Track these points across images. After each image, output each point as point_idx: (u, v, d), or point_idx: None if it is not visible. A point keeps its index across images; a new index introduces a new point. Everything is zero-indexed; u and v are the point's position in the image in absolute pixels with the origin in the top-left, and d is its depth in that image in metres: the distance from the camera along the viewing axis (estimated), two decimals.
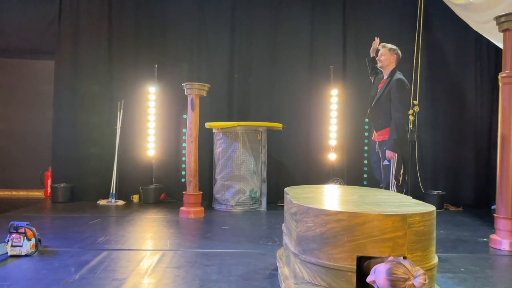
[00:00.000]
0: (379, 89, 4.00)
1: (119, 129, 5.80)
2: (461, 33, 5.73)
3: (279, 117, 5.75)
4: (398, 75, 3.89)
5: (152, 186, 5.74)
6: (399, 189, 3.74)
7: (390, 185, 3.71)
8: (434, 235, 2.08)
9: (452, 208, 5.61)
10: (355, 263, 1.91)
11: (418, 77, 5.74)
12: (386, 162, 3.78)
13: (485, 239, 3.76)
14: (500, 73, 3.56)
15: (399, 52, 4.00)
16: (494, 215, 3.58)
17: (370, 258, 2.02)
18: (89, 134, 5.89)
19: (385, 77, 3.97)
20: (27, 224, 3.04)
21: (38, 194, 6.33)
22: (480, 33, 4.69)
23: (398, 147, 3.76)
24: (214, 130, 5.43)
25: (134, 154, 5.91)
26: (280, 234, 2.98)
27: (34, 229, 3.06)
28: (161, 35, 5.99)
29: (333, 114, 5.77)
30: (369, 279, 1.89)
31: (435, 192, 5.60)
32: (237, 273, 2.68)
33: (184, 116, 4.78)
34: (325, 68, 5.83)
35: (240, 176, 5.23)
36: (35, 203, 5.65)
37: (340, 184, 5.59)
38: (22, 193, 6.34)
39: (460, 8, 4.72)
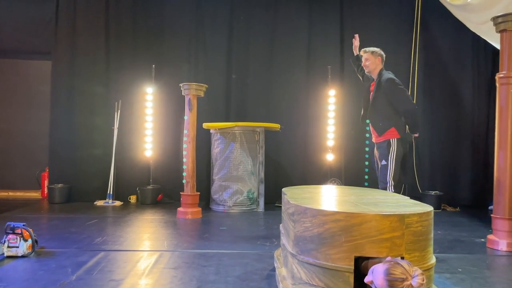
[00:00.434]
0: (371, 91, 3.96)
1: (117, 129, 5.79)
2: (458, 34, 5.74)
3: (276, 117, 5.75)
4: (387, 74, 3.87)
5: (149, 187, 5.73)
6: (396, 190, 3.73)
7: (388, 185, 3.70)
8: (432, 235, 2.08)
9: (449, 208, 5.62)
10: (352, 263, 1.90)
11: (416, 77, 5.75)
12: (383, 162, 3.77)
13: (482, 240, 3.77)
14: (497, 73, 3.56)
15: (382, 52, 3.97)
16: (492, 215, 3.59)
17: (368, 258, 2.01)
18: (86, 135, 5.88)
19: (375, 79, 3.94)
20: (23, 225, 3.02)
21: (35, 195, 6.30)
22: (477, 33, 4.70)
23: (416, 128, 3.86)
24: (211, 131, 5.42)
25: (132, 154, 5.89)
26: (278, 234, 2.98)
27: (30, 230, 3.04)
28: (158, 35, 5.98)
29: (330, 115, 5.77)
30: (367, 280, 1.88)
31: (433, 192, 5.60)
32: (234, 274, 2.67)
33: (185, 117, 4.76)
34: (323, 69, 5.83)
35: (238, 176, 5.23)
36: (32, 204, 5.62)
37: (337, 184, 5.59)
38: (18, 194, 6.31)
39: (457, 9, 4.73)
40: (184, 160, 4.78)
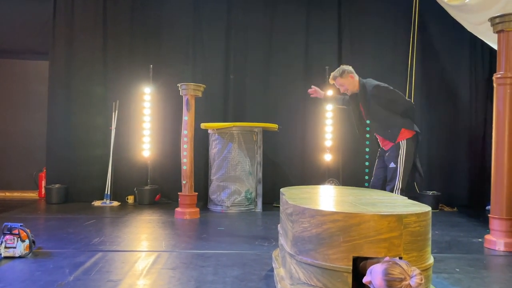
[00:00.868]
0: (361, 109, 3.80)
1: (114, 129, 5.77)
2: (456, 34, 5.75)
3: (274, 117, 5.75)
4: (369, 82, 3.69)
5: (147, 187, 5.72)
6: (403, 195, 3.49)
7: (395, 189, 3.60)
8: (430, 235, 2.08)
9: (447, 208, 5.63)
10: (351, 263, 1.91)
11: (413, 77, 5.76)
12: (392, 165, 3.63)
13: (480, 240, 3.78)
14: (494, 74, 3.58)
15: (346, 67, 3.77)
16: (489, 215, 3.60)
17: (366, 258, 2.02)
18: (84, 135, 5.86)
19: (358, 93, 3.75)
20: (20, 226, 3.01)
21: (32, 195, 6.28)
22: (475, 34, 4.71)
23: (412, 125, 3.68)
24: (209, 131, 5.42)
25: (129, 155, 5.88)
26: (276, 235, 2.98)
27: (28, 230, 3.03)
28: (156, 35, 5.97)
29: (328, 115, 5.77)
30: (365, 280, 1.89)
31: (430, 192, 5.62)
32: (232, 274, 2.67)
33: (185, 118, 4.75)
34: (321, 69, 5.83)
35: (236, 177, 5.23)
36: (29, 204, 5.61)
37: (335, 185, 5.59)
38: (16, 194, 6.29)
39: (455, 10, 4.74)
40: (185, 160, 4.75)
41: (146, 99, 5.84)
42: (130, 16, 5.96)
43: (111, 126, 5.78)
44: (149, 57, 5.88)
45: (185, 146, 4.78)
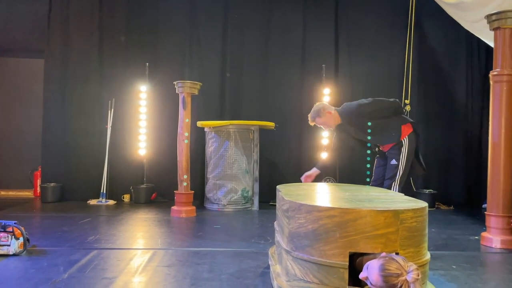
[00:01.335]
0: (353, 132, 3.69)
1: (110, 128, 5.75)
2: (452, 32, 5.76)
3: (271, 116, 5.73)
4: (347, 107, 3.60)
5: (143, 186, 5.70)
6: (400, 191, 3.47)
7: (394, 185, 3.59)
8: (427, 231, 2.07)
9: (443, 207, 5.64)
10: (347, 259, 1.89)
11: (410, 76, 5.76)
12: (394, 162, 3.60)
13: (476, 237, 3.77)
14: (491, 71, 3.57)
15: (321, 104, 3.69)
16: (485, 213, 3.59)
17: (363, 254, 2.00)
18: (79, 133, 5.83)
19: (344, 123, 3.66)
20: (15, 223, 2.99)
21: (27, 194, 6.25)
22: (471, 32, 4.71)
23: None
24: (206, 129, 5.40)
25: (125, 153, 5.85)
26: (273, 232, 2.96)
27: (22, 228, 3.01)
28: (152, 33, 5.94)
29: None
30: (362, 276, 1.87)
31: (427, 191, 5.61)
32: (228, 271, 2.65)
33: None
34: (317, 67, 5.83)
35: (232, 175, 5.21)
36: (24, 203, 5.57)
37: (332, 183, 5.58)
38: (11, 193, 6.26)
39: (451, 7, 4.74)
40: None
41: (142, 98, 5.82)
42: (126, 14, 5.94)
43: (107, 125, 5.76)
44: (145, 55, 5.86)
45: (186, 141, 4.73)
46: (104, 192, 5.64)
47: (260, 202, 5.37)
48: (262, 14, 5.98)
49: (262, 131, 5.54)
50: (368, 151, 3.82)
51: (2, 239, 2.90)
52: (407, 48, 5.76)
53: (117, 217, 4.58)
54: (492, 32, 3.61)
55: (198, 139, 5.63)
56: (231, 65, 5.97)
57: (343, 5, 5.99)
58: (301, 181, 3.91)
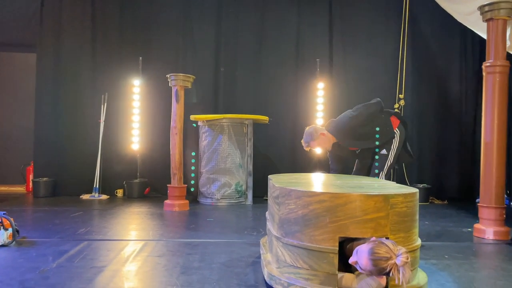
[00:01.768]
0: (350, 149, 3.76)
1: (103, 122, 5.71)
2: (446, 26, 5.76)
3: (265, 110, 5.71)
4: (339, 125, 3.60)
5: (136, 181, 5.67)
6: (387, 178, 3.67)
7: (382, 173, 3.62)
8: (417, 217, 2.06)
9: (437, 201, 5.63)
10: (337, 244, 1.88)
11: (404, 70, 5.76)
12: (384, 152, 3.63)
13: (469, 229, 3.77)
14: (484, 62, 3.57)
15: (312, 128, 3.69)
16: (478, 204, 3.59)
17: (353, 240, 1.99)
18: (72, 128, 5.79)
19: (340, 143, 3.70)
20: (3, 214, 2.95)
21: (19, 189, 6.21)
22: (465, 24, 4.70)
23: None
24: (199, 123, 5.37)
25: (118, 148, 5.82)
26: (265, 225, 2.94)
27: (11, 219, 2.97)
28: (146, 27, 5.91)
29: (319, 108, 5.75)
30: (351, 260, 1.86)
31: (421, 185, 5.61)
32: (219, 261, 2.63)
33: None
34: (311, 61, 5.81)
35: (226, 169, 5.18)
36: (16, 197, 5.53)
37: None
38: (2, 188, 6.22)
39: (445, 0, 4.73)
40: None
41: (136, 92, 5.78)
42: (119, 8, 5.90)
43: (100, 119, 5.72)
44: (139, 49, 5.82)
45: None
46: (97, 187, 5.60)
47: (254, 197, 5.35)
48: (256, 8, 5.96)
49: (256, 125, 5.52)
50: (377, 156, 3.78)
51: None
52: (401, 42, 5.75)
53: (110, 211, 4.55)
54: (485, 24, 3.61)
55: (192, 133, 5.60)
56: (225, 59, 5.95)
57: None
58: None
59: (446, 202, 5.62)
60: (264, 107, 5.80)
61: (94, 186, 5.60)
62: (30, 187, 5.92)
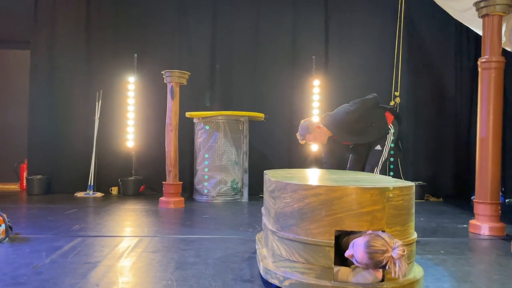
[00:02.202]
0: (347, 140, 3.70)
1: (98, 119, 5.67)
2: (442, 23, 5.78)
3: (261, 107, 5.70)
4: (335, 119, 3.54)
5: (131, 178, 5.64)
6: (382, 173, 3.64)
7: (376, 169, 3.60)
8: (413, 210, 2.05)
9: (432, 198, 5.65)
10: (333, 237, 1.86)
11: (400, 68, 5.76)
12: (378, 148, 3.62)
13: (465, 226, 3.77)
14: (479, 58, 3.57)
15: (307, 121, 3.62)
16: (474, 200, 3.59)
17: (349, 234, 1.98)
18: (67, 125, 5.76)
19: (336, 136, 3.64)
20: None
21: (13, 187, 6.16)
22: (461, 21, 4.70)
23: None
24: (195, 120, 5.35)
25: (113, 145, 5.79)
26: (261, 221, 2.93)
27: (4, 215, 2.94)
28: (141, 24, 5.88)
29: (315, 105, 5.75)
30: (347, 254, 1.85)
31: (416, 183, 5.60)
32: (215, 256, 2.62)
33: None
34: (307, 59, 5.80)
35: (222, 166, 5.17)
36: (9, 195, 5.48)
37: None
38: None
39: None
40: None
41: (131, 89, 5.76)
42: (114, 4, 5.87)
43: (94, 116, 5.69)
44: (134, 46, 5.80)
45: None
46: (92, 184, 5.57)
47: (249, 194, 5.33)
48: (252, 4, 5.94)
49: (252, 122, 5.50)
50: (371, 152, 3.70)
51: None
52: (396, 39, 5.75)
53: (104, 208, 4.52)
54: (481, 21, 3.61)
55: (187, 130, 5.57)
56: (220, 56, 5.93)
57: None
58: None
59: (441, 199, 5.64)
60: (260, 104, 5.78)
61: (89, 183, 5.57)
62: (24, 185, 5.88)
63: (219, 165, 5.16)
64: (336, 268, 1.87)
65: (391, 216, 1.88)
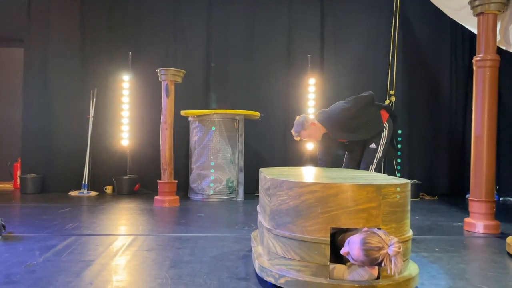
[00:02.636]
0: (341, 137, 3.68)
1: (92, 118, 5.64)
2: (437, 22, 5.79)
3: (256, 106, 5.68)
4: (331, 116, 3.52)
5: (126, 177, 5.61)
6: (377, 171, 3.63)
7: (371, 167, 3.60)
8: (409, 208, 2.05)
9: (427, 197, 5.66)
10: (329, 235, 1.86)
11: (395, 67, 5.76)
12: (373, 146, 3.61)
13: (460, 224, 3.78)
14: (474, 56, 3.58)
15: (302, 117, 3.58)
16: (468, 198, 3.60)
17: (345, 231, 1.97)
18: (61, 124, 5.72)
19: (331, 133, 3.63)
20: None
21: (7, 186, 6.11)
22: (456, 20, 4.70)
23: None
24: (190, 118, 5.32)
25: (108, 144, 5.75)
26: (256, 220, 2.92)
27: None
28: (135, 22, 5.85)
29: (310, 103, 5.74)
30: (343, 251, 1.84)
31: (411, 181, 5.60)
32: (210, 255, 2.60)
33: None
34: (303, 57, 5.80)
35: (217, 165, 5.15)
36: (3, 194, 5.44)
37: None
38: None
39: None
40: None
41: (125, 87, 5.72)
42: (108, 1, 5.83)
43: (89, 115, 5.65)
44: (128, 44, 5.77)
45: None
46: (86, 183, 5.54)
47: (245, 193, 5.32)
48: (247, 3, 5.92)
49: (247, 121, 5.49)
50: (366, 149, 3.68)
51: None
52: (392, 38, 5.75)
53: (98, 207, 4.49)
54: (476, 19, 3.61)
55: (182, 129, 5.55)
56: (215, 54, 5.91)
57: None
58: None
59: (436, 197, 5.65)
60: (255, 103, 5.76)
61: (83, 182, 5.53)
62: (18, 183, 5.83)
63: (214, 163, 5.14)
64: (331, 266, 1.87)
65: (386, 214, 1.88)
